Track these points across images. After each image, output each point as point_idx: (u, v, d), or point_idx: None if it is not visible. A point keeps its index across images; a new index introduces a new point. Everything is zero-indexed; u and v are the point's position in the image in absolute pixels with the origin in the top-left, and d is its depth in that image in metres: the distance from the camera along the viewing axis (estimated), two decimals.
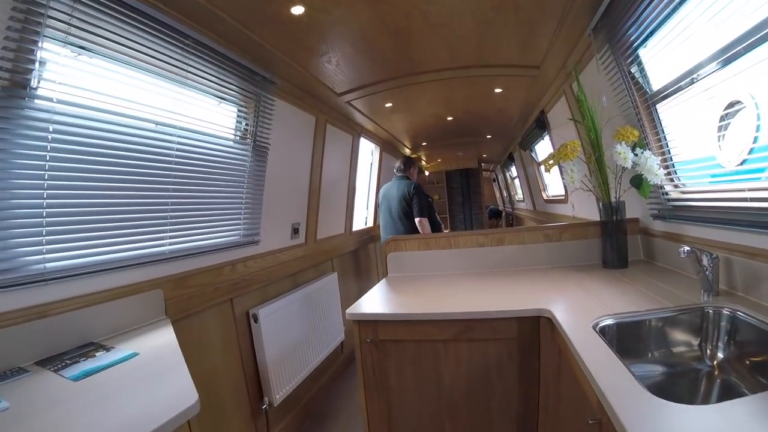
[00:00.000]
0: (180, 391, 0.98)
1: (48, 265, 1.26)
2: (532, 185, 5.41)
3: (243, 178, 2.15)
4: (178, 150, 1.68)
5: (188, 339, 1.85)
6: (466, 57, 2.44)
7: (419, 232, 3.69)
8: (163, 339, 1.40)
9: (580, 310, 1.37)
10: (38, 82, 1.17)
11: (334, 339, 3.21)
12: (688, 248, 1.28)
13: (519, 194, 7.22)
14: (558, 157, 1.95)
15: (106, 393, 0.99)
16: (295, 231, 2.92)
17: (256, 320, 2.31)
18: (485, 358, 1.56)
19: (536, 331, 1.48)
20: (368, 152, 4.76)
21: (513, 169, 7.07)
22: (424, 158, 7.50)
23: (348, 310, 1.68)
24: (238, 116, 2.11)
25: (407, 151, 6.02)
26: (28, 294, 1.21)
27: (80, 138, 1.32)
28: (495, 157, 8.34)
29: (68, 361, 1.16)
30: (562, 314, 1.34)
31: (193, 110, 1.77)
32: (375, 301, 1.88)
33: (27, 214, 1.21)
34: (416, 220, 3.73)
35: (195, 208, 1.84)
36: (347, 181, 3.92)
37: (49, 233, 1.25)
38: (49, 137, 1.23)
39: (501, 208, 10.00)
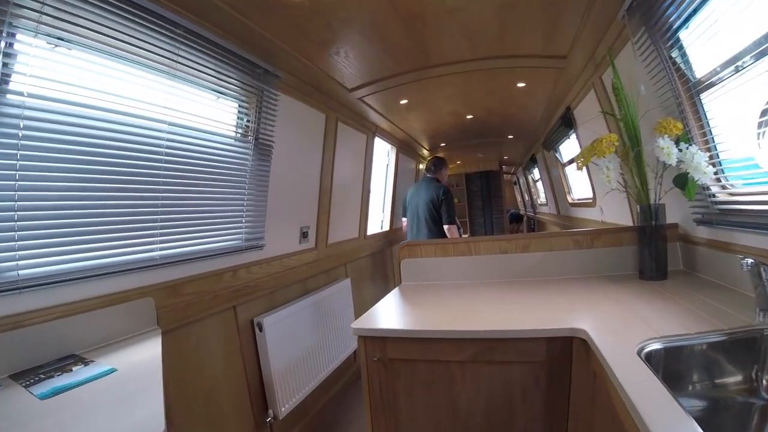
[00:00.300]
0: (148, 418, 0.89)
1: (21, 272, 1.15)
2: (556, 188, 5.17)
3: (244, 178, 2.02)
4: (168, 147, 1.55)
5: (185, 348, 1.75)
6: (487, 46, 2.26)
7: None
8: (148, 353, 1.29)
9: (620, 331, 1.18)
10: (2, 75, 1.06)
11: (346, 348, 3.07)
12: (752, 260, 1.08)
13: (542, 197, 6.96)
14: (592, 153, 1.75)
15: (71, 416, 0.90)
16: (305, 235, 2.78)
17: (260, 329, 2.19)
18: (508, 383, 1.37)
19: (568, 354, 1.30)
20: (384, 153, 4.60)
21: (535, 171, 6.83)
22: None
23: (353, 325, 1.52)
24: (239, 112, 1.98)
25: (425, 153, 5.84)
26: (1, 303, 1.12)
27: (55, 135, 1.21)
28: (516, 159, 8.09)
29: (42, 376, 1.09)
30: (599, 335, 1.15)
31: (186, 105, 1.64)
32: (384, 315, 1.71)
33: None
34: (445, 227, 3.59)
35: (189, 210, 1.72)
36: (361, 182, 3.77)
37: (21, 238, 1.15)
38: (20, 134, 1.12)
39: (522, 212, 9.73)
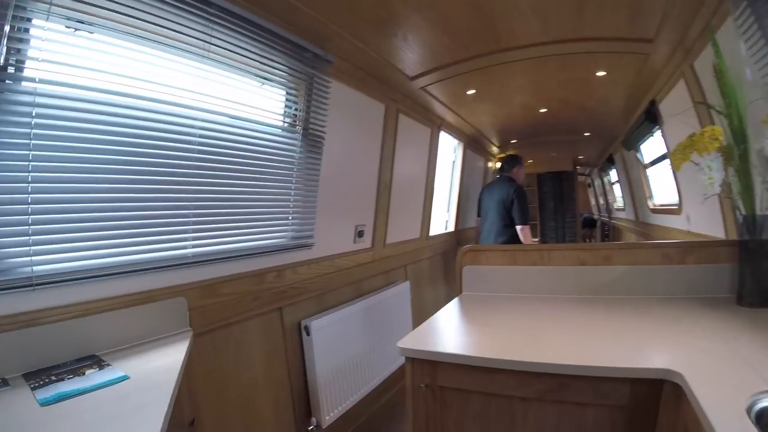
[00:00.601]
0: None
1: (36, 268, 1.08)
2: (636, 192, 4.62)
3: (291, 171, 1.88)
4: (201, 136, 1.43)
5: (222, 351, 1.66)
6: (562, 26, 1.95)
7: (519, 242, 3.31)
8: (170, 358, 1.19)
9: (723, 377, 0.89)
10: (5, 60, 0.99)
11: (400, 356, 2.86)
12: None
13: (618, 202, 6.31)
14: (691, 149, 1.41)
15: (64, 428, 0.82)
16: (360, 234, 2.62)
17: (308, 332, 2.07)
18: (579, 428, 1.09)
19: (655, 400, 1.00)
20: (450, 149, 4.34)
21: (612, 172, 6.21)
22: None
23: (400, 344, 1.31)
24: (286, 100, 1.84)
25: (495, 150, 5.49)
26: (15, 299, 1.06)
27: (71, 123, 1.13)
28: (592, 160, 7.45)
29: (53, 378, 1.03)
30: (697, 382, 0.86)
31: (222, 91, 1.52)
32: (438, 332, 1.48)
33: (8, 210, 1.03)
34: (518, 228, 3.35)
35: (226, 205, 1.60)
36: (425, 180, 3.54)
37: (36, 233, 1.08)
38: (32, 122, 1.04)
39: (596, 216, 8.98)
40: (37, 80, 1.04)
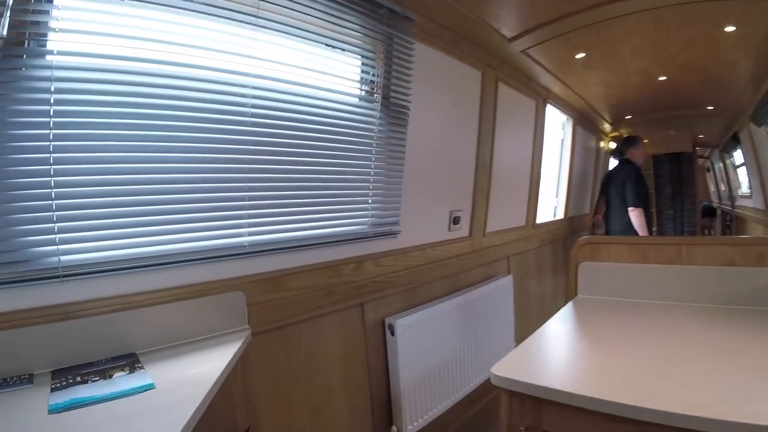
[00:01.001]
0: None
1: (64, 257, 0.98)
2: (767, 175, 3.75)
3: (369, 147, 1.63)
4: (254, 107, 1.24)
5: (290, 351, 1.51)
6: None
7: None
8: (212, 364, 1.02)
9: None
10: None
11: (497, 360, 2.51)
12: None
13: (743, 188, 5.16)
14: None
15: None
16: (455, 221, 2.33)
17: (392, 332, 1.84)
18: None
19: None
20: (558, 125, 3.80)
21: (737, 153, 5.12)
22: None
23: (494, 370, 0.98)
24: (362, 64, 1.60)
25: (606, 127, 4.80)
26: (44, 291, 0.98)
27: (97, 97, 1.00)
28: (713, 139, 6.27)
29: (78, 379, 0.93)
30: None
31: (281, 55, 1.31)
32: (545, 355, 1.14)
33: (31, 195, 0.94)
34: (629, 209, 3.02)
35: (290, 186, 1.40)
36: (530, 160, 3.13)
37: (61, 219, 0.97)
38: (51, 99, 0.92)
39: (715, 204, 7.53)
40: (55, 52, 0.93)
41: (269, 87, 1.29)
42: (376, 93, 1.63)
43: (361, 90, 1.64)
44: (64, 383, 0.90)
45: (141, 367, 0.99)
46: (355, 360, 1.74)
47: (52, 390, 0.87)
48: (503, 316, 2.63)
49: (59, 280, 0.96)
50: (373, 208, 1.74)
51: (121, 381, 0.92)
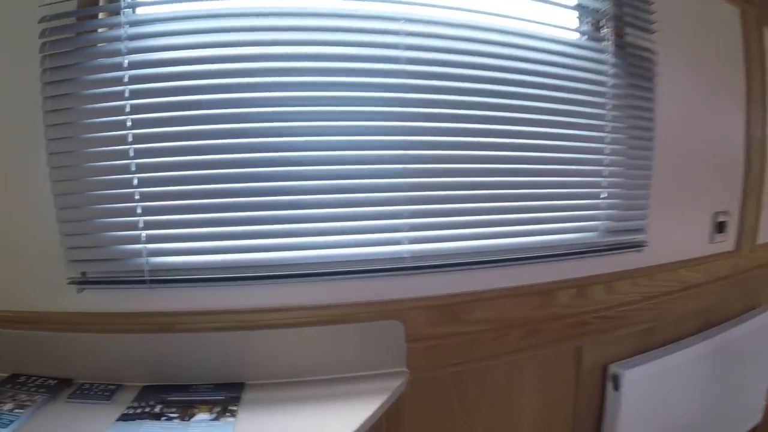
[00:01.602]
0: None
1: (153, 259, 0.87)
2: None
3: (600, 110, 1.11)
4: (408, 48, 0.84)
5: (466, 405, 1.12)
6: None
7: None
8: (338, 422, 0.77)
9: None
10: None
11: (741, 423, 1.82)
12: None
13: None
14: None
15: None
16: (719, 228, 1.61)
17: (616, 385, 1.33)
18: None
19: None
20: None
21: None
22: None
23: None
24: None
25: None
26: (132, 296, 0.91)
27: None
28: None
29: (156, 409, 0.81)
30: None
31: None
32: None
33: (116, 197, 0.85)
34: None
35: (473, 171, 1.00)
36: None
37: (146, 211, 0.85)
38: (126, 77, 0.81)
39: None
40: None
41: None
42: (604, 28, 1.05)
43: (583, 24, 1.11)
44: (138, 410, 0.80)
45: (231, 415, 0.78)
46: (557, 417, 1.28)
47: (120, 417, 0.78)
48: (761, 361, 1.83)
49: (147, 286, 0.85)
50: (609, 206, 1.18)
51: (198, 428, 0.74)
